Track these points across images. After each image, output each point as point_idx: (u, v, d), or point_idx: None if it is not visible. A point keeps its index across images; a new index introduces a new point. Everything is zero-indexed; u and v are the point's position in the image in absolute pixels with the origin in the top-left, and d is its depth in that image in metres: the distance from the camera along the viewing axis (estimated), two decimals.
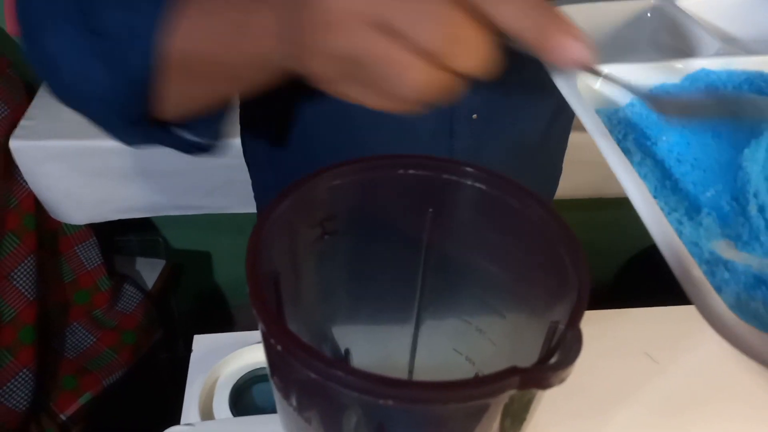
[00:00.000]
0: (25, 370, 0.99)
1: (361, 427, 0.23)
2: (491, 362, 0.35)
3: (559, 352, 0.22)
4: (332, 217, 0.32)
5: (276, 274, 0.29)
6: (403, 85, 0.27)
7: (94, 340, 1.12)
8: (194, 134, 0.43)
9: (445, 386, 0.21)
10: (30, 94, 1.06)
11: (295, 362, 0.22)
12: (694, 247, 0.28)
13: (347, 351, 0.38)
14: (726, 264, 0.27)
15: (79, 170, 1.00)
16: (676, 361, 0.58)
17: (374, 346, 0.39)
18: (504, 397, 0.22)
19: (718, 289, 0.26)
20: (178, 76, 0.37)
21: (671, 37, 0.42)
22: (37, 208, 1.02)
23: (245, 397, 0.59)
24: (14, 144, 0.96)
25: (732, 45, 0.40)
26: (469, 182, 0.31)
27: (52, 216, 1.04)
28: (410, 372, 0.40)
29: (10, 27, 0.94)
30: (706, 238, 0.29)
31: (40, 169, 0.99)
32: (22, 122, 0.99)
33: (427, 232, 0.34)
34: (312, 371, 0.21)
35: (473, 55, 0.27)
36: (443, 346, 0.38)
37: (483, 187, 0.30)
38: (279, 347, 0.22)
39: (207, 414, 0.56)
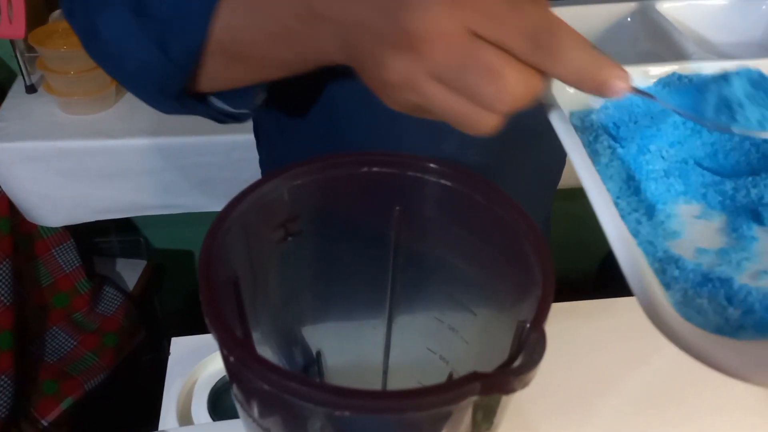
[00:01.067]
0: (3, 377, 0.98)
1: None
2: (464, 361, 0.35)
3: (522, 355, 0.22)
4: (295, 218, 0.31)
5: (235, 279, 0.28)
6: (474, 129, 0.28)
7: (75, 343, 1.11)
8: (229, 105, 0.44)
9: (404, 395, 0.20)
10: (0, 96, 1.03)
11: (249, 374, 0.21)
12: (649, 246, 0.29)
13: (319, 353, 0.38)
14: (677, 262, 0.28)
15: (54, 171, 0.98)
16: (660, 351, 0.58)
17: (347, 347, 0.38)
18: (467, 403, 0.21)
19: (667, 286, 0.27)
20: (221, 60, 0.38)
21: (651, 41, 0.42)
22: (11, 212, 1.00)
23: (224, 400, 0.58)
24: None
25: (707, 49, 0.41)
26: (434, 179, 0.30)
27: (27, 219, 1.02)
28: (384, 372, 0.40)
29: None
30: (662, 237, 0.29)
31: (12, 171, 0.97)
32: None
33: (395, 229, 0.33)
34: (266, 383, 0.21)
35: (529, 101, 0.28)
36: (417, 345, 0.37)
37: (448, 183, 0.30)
38: (231, 359, 0.21)
39: (185, 418, 0.55)
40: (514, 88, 0.27)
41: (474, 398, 0.21)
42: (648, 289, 0.24)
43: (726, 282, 0.27)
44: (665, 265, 0.28)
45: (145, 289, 1.25)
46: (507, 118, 0.29)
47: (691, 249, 0.29)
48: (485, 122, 0.28)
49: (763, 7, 0.44)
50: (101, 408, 1.11)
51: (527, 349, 0.22)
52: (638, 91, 0.30)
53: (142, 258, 1.29)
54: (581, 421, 0.51)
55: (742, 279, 0.28)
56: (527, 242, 0.26)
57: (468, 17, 0.27)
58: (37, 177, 0.97)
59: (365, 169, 0.31)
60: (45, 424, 1.04)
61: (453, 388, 0.20)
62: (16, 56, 0.99)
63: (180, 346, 0.60)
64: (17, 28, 0.93)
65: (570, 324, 0.57)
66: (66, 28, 1.00)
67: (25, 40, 0.96)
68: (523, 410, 0.51)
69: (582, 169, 0.28)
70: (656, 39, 0.42)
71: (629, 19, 0.43)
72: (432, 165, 0.30)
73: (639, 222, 0.30)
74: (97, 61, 0.43)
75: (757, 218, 0.31)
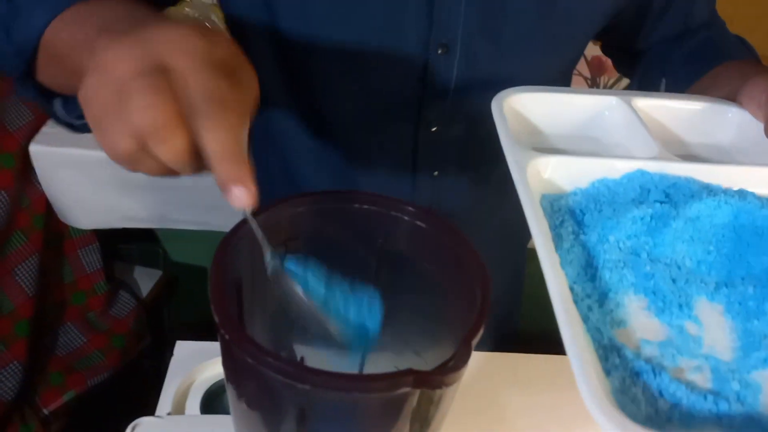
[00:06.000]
0: (15, 363, 1.04)
1: (288, 413, 0.28)
2: None
3: (451, 362, 0.27)
4: (295, 239, 0.38)
5: (239, 282, 0.34)
6: (110, 146, 0.31)
7: (85, 340, 1.17)
8: (65, 110, 0.48)
9: (353, 378, 0.26)
10: None
11: (237, 349, 0.27)
12: (596, 332, 0.31)
13: (302, 358, 0.43)
14: (619, 351, 0.30)
15: (92, 178, 1.06)
16: None
17: (327, 358, 0.44)
18: (405, 394, 0.27)
19: (608, 373, 0.29)
20: (46, 59, 0.43)
21: (624, 135, 0.46)
22: (48, 210, 1.08)
23: (217, 401, 0.63)
24: (34, 148, 1.03)
25: (674, 149, 0.44)
26: (410, 219, 0.36)
27: (61, 219, 1.10)
28: None
29: None
30: (609, 325, 0.32)
31: (55, 173, 1.05)
32: (44, 129, 1.06)
33: (377, 259, 0.39)
34: (249, 357, 0.27)
35: (169, 148, 0.30)
36: (387, 365, 0.43)
37: (422, 224, 0.36)
38: (226, 336, 0.27)
39: (179, 411, 0.60)
40: (170, 143, 0.29)
41: (408, 389, 0.26)
42: (588, 376, 0.26)
43: (659, 374, 0.29)
44: (608, 352, 0.30)
45: (157, 298, 1.32)
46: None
47: (636, 339, 0.32)
48: (122, 146, 0.30)
49: (729, 114, 0.48)
50: (100, 404, 1.16)
51: (456, 357, 0.27)
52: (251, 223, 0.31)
53: (159, 268, 1.36)
54: None
55: (675, 372, 0.30)
56: (475, 279, 0.33)
57: (174, 56, 0.30)
58: (75, 181, 1.05)
59: (356, 205, 0.37)
60: (46, 413, 1.09)
61: (392, 377, 0.26)
62: None
63: (183, 348, 0.65)
64: None
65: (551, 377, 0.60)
66: None
67: None
68: None
69: (544, 256, 0.32)
70: (628, 134, 0.46)
71: (606, 113, 0.47)
72: (410, 208, 0.36)
73: (590, 308, 0.32)
74: None
75: (694, 316, 0.34)
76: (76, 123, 0.50)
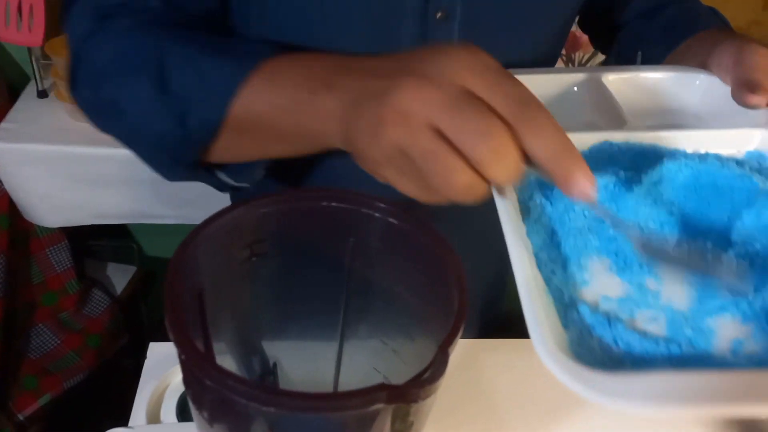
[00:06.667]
0: None
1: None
2: (403, 381, 0.38)
3: (429, 372, 0.26)
4: (261, 241, 0.35)
5: (200, 291, 0.32)
6: (447, 185, 0.30)
7: (59, 342, 1.14)
8: (232, 177, 0.47)
9: (322, 397, 0.24)
10: (12, 97, 1.08)
11: (196, 370, 0.25)
12: (557, 291, 0.32)
13: (275, 364, 0.41)
14: (578, 307, 0.31)
15: (58, 174, 1.02)
16: None
17: (301, 362, 0.42)
18: (379, 410, 0.25)
19: (565, 326, 0.30)
20: (235, 135, 0.41)
21: (594, 110, 0.46)
22: (11, 209, 1.04)
23: None
24: None
25: (646, 120, 0.44)
26: (382, 216, 0.34)
27: (26, 218, 1.06)
28: (335, 387, 0.43)
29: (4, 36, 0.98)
30: (573, 286, 0.33)
31: (17, 171, 1.01)
32: (3, 124, 1.02)
33: (348, 258, 0.37)
34: (208, 379, 0.24)
35: (507, 169, 0.30)
36: (364, 365, 0.41)
37: (394, 221, 0.34)
38: (183, 356, 0.25)
39: (154, 418, 0.58)
40: (509, 160, 0.29)
41: (381, 405, 0.25)
42: (540, 325, 0.27)
43: (614, 326, 0.31)
44: (568, 309, 0.31)
45: (133, 295, 1.28)
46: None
47: (597, 296, 0.33)
48: (462, 177, 0.30)
49: (697, 82, 0.48)
50: (77, 407, 1.13)
51: (432, 367, 0.26)
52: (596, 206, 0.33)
53: (133, 264, 1.33)
54: None
55: (630, 323, 0.31)
56: (452, 278, 0.31)
57: (467, 77, 0.30)
58: (40, 178, 1.02)
59: (325, 203, 0.35)
60: (21, 418, 1.06)
61: (362, 395, 0.24)
62: (31, 62, 1.04)
63: (157, 351, 0.63)
64: (36, 36, 0.99)
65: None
66: None
67: (42, 47, 1.02)
68: None
69: (508, 227, 0.32)
70: (598, 108, 0.46)
71: (576, 88, 0.47)
72: (381, 205, 0.34)
73: (553, 272, 0.33)
74: (110, 132, 0.45)
75: (654, 272, 0.34)
76: (237, 185, 0.48)
